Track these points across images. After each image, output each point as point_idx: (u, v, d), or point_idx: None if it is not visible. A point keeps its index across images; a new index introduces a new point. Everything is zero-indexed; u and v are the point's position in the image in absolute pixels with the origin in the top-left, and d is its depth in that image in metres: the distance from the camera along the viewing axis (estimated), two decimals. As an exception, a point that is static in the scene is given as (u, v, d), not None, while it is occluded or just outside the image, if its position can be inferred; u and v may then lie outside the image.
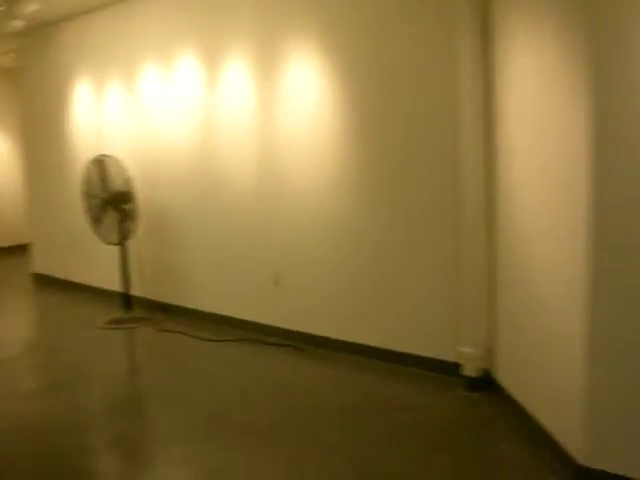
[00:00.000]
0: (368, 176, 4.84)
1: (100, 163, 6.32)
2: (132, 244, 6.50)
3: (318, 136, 5.13)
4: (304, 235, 5.34)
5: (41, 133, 8.41)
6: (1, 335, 6.41)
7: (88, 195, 6.45)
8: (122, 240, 6.35)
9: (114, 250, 6.55)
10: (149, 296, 6.71)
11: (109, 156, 6.29)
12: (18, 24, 6.53)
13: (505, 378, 4.00)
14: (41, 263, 8.75)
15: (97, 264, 7.52)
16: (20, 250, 10.22)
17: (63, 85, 7.84)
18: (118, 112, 7.07)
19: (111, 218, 6.32)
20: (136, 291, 6.73)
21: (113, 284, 7.13)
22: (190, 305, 6.48)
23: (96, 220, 6.40)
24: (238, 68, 5.69)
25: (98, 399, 4.48)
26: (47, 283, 8.50)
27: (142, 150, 6.80)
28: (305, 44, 5.14)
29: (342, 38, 4.88)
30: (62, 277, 8.28)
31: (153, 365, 5.26)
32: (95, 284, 7.67)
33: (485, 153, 4.10)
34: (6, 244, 11.10)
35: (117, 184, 6.25)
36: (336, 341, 5.19)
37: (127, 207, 6.24)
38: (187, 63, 6.18)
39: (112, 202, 6.26)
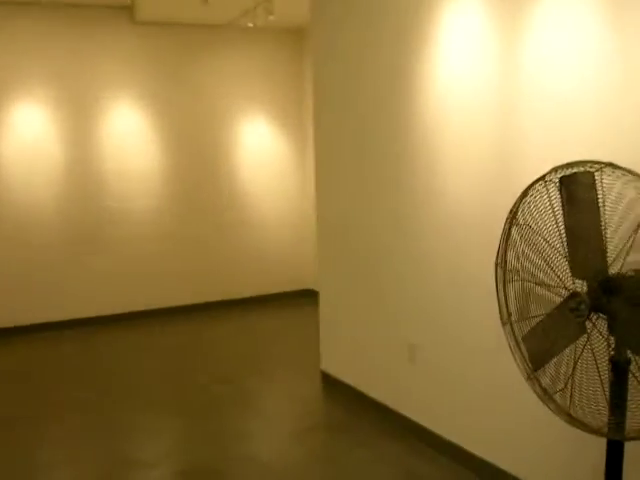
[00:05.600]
0: None
1: (570, 188, 2.14)
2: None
3: None
4: None
5: (352, 121, 4.45)
6: None
7: (520, 274, 2.25)
8: (619, 426, 2.09)
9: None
10: None
11: (615, 168, 2.08)
12: None
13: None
14: (332, 358, 4.89)
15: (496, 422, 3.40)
16: (309, 297, 6.83)
17: (416, 18, 3.82)
18: (586, 60, 2.85)
19: (594, 347, 2.12)
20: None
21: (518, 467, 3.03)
22: None
23: (542, 351, 2.19)
24: None
25: None
26: (347, 400, 4.60)
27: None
28: None
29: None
30: (381, 400, 4.31)
31: None
32: (472, 449, 3.55)
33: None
34: (287, 288, 7.64)
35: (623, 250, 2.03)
36: None
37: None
38: None
39: (605, 301, 2.05)
